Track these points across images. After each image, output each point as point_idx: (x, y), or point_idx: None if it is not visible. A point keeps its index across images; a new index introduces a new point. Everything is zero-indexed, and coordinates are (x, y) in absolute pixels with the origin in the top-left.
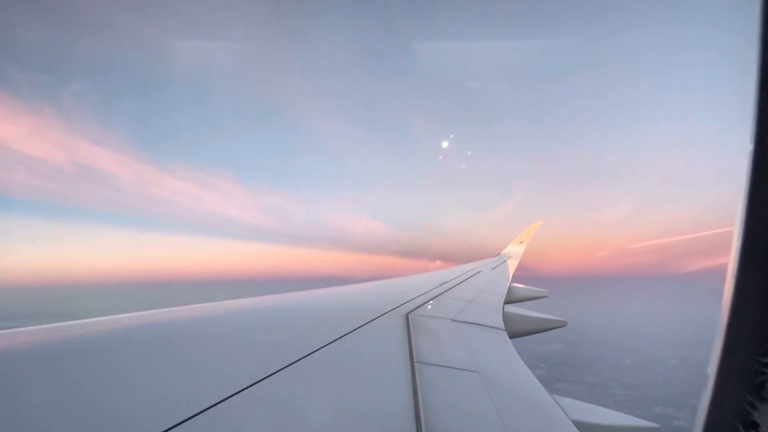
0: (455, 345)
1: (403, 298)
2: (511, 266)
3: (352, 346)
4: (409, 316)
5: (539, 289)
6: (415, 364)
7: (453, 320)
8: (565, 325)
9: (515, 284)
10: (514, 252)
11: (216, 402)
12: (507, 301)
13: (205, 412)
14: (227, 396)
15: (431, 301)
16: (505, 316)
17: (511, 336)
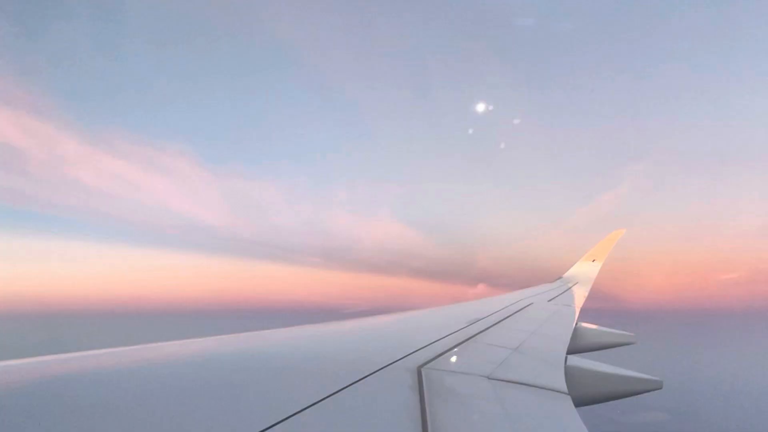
0: (493, 417)
1: (417, 342)
2: (579, 296)
3: (334, 417)
4: (423, 370)
5: (621, 331)
6: None
7: (489, 378)
8: (660, 387)
9: (584, 324)
10: (584, 274)
11: None
12: (572, 350)
13: None
14: None
15: (457, 349)
16: (569, 373)
17: (578, 402)
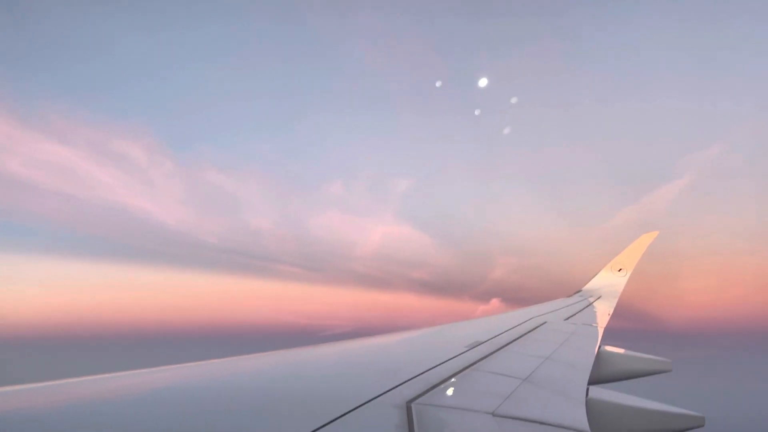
0: None
1: (406, 371)
2: (602, 313)
3: None
4: (414, 405)
5: (654, 357)
6: None
7: (494, 415)
8: (702, 425)
9: (609, 348)
10: (608, 287)
11: None
12: (594, 379)
13: None
14: None
15: (454, 379)
16: (591, 407)
17: None
